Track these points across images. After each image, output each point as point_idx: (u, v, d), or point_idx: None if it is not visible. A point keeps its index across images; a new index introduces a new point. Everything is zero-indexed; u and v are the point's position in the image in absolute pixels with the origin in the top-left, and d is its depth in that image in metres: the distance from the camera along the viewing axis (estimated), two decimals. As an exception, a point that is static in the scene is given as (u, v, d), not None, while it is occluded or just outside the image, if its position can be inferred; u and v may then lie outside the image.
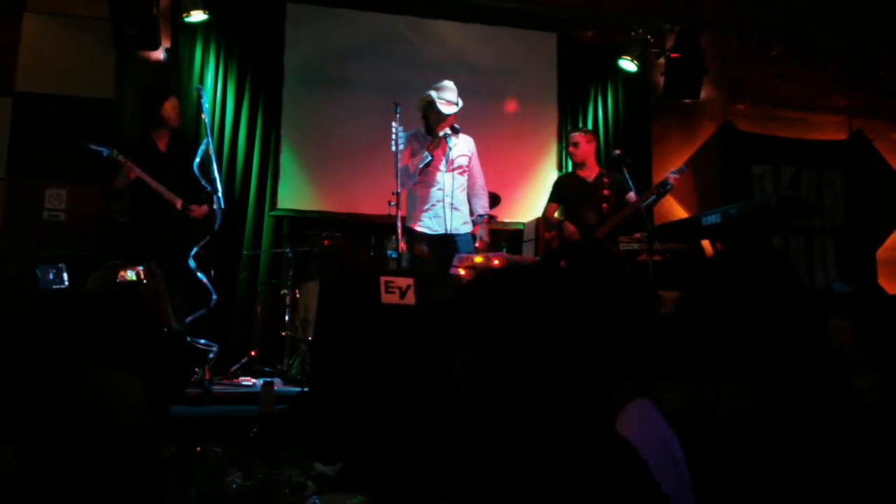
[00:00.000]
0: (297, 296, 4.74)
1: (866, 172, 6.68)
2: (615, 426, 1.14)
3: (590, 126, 6.24)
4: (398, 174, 4.26)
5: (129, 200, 4.32)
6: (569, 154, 5.01)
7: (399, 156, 4.28)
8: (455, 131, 4.40)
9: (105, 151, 3.96)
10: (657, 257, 4.62)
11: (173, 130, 4.34)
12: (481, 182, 4.64)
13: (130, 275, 1.98)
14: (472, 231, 4.53)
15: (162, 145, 4.30)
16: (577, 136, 4.96)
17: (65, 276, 3.82)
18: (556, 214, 5.06)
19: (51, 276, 3.80)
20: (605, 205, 4.78)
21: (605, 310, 1.39)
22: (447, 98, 4.34)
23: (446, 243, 4.38)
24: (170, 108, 4.27)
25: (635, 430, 1.21)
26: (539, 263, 3.68)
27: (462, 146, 4.50)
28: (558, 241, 4.87)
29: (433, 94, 4.35)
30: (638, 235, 4.82)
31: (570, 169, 6.11)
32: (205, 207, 4.25)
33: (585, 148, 4.89)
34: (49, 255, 4.00)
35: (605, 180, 4.84)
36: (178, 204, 4.18)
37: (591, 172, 4.91)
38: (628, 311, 1.42)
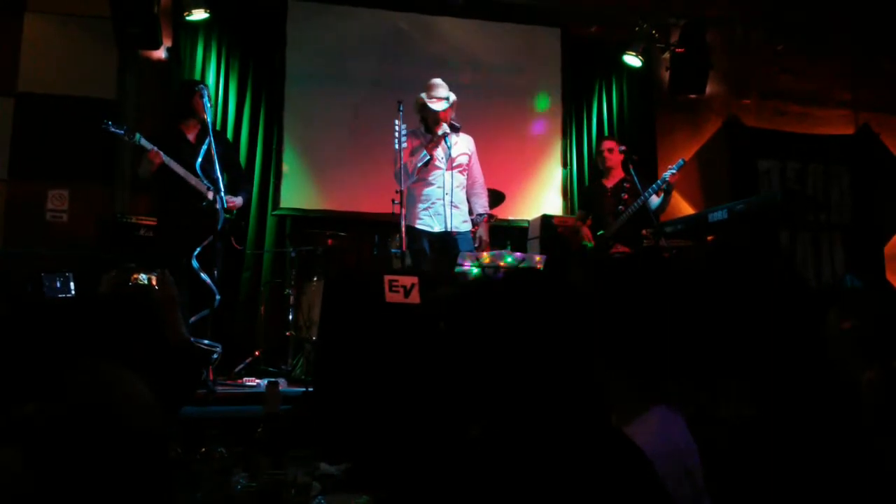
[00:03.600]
0: (301, 295, 4.71)
1: (873, 166, 6.64)
2: (616, 427, 1.12)
3: (594, 122, 6.23)
4: (398, 173, 4.25)
5: (158, 194, 4.24)
6: (601, 159, 4.96)
7: (400, 154, 4.26)
8: (455, 129, 4.40)
9: (122, 132, 3.89)
10: (664, 254, 4.61)
11: (203, 122, 4.26)
12: (481, 181, 4.63)
13: (143, 278, 1.96)
14: (472, 230, 4.51)
15: (192, 136, 4.21)
16: (611, 143, 4.97)
17: (71, 285, 3.77)
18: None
19: (57, 285, 3.76)
20: (622, 207, 4.79)
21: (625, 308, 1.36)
22: (437, 95, 4.35)
23: (446, 241, 4.37)
24: (198, 96, 4.17)
25: (650, 438, 1.18)
26: (541, 272, 3.68)
27: (462, 144, 4.50)
28: (575, 243, 4.93)
29: (423, 94, 4.39)
30: (644, 232, 4.81)
31: (575, 167, 6.15)
32: (240, 199, 4.21)
33: (618, 155, 4.89)
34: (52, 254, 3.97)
35: (627, 185, 4.84)
36: (210, 194, 4.06)
37: (613, 179, 4.94)
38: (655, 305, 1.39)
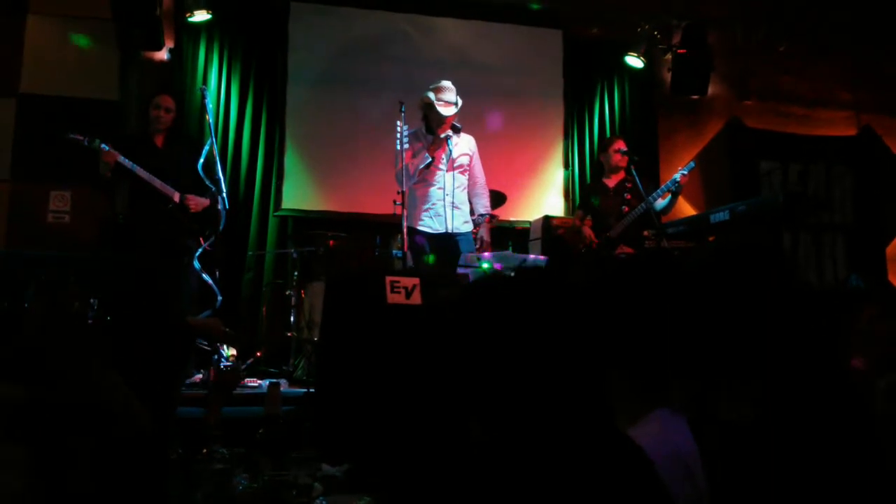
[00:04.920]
0: (303, 296, 4.72)
1: (875, 168, 6.64)
2: (617, 428, 1.11)
3: (596, 123, 6.23)
4: (398, 174, 4.24)
5: (127, 197, 4.30)
6: (609, 158, 4.88)
7: (402, 155, 4.25)
8: (456, 130, 4.38)
9: (85, 140, 3.96)
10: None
11: (171, 128, 4.32)
12: (482, 181, 4.61)
13: (224, 357, 2.07)
14: (473, 231, 4.50)
15: (159, 141, 4.29)
16: (623, 143, 4.90)
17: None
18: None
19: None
20: (626, 208, 4.76)
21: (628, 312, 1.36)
22: (446, 99, 4.31)
23: (447, 242, 4.35)
24: (152, 107, 4.24)
25: (652, 440, 1.18)
26: (544, 270, 3.67)
27: (463, 145, 4.47)
28: (583, 245, 4.89)
29: (431, 95, 4.32)
30: (646, 233, 4.81)
31: (576, 168, 6.14)
32: (205, 201, 4.24)
33: (625, 156, 4.84)
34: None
35: (629, 185, 4.82)
36: (176, 197, 4.16)
37: (616, 179, 4.91)
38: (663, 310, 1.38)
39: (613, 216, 4.78)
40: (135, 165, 4.06)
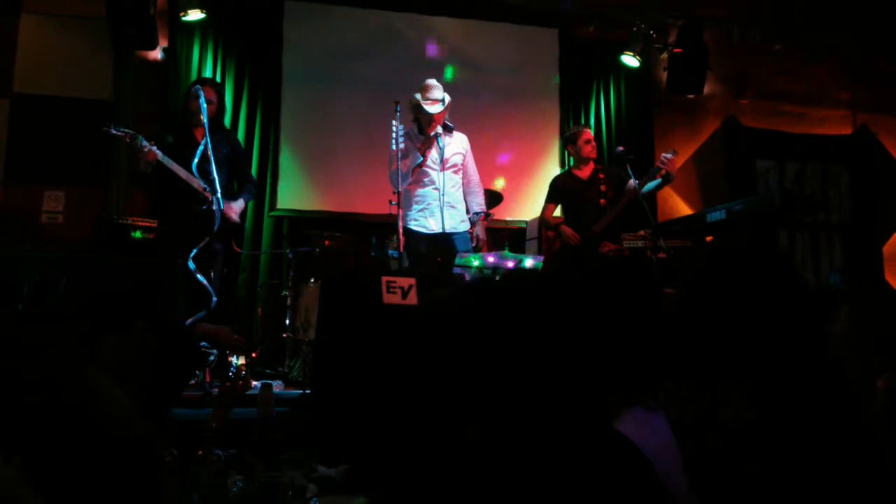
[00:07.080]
0: (298, 297, 4.69)
1: (872, 167, 6.65)
2: (616, 430, 1.11)
3: (592, 122, 6.20)
4: (393, 175, 4.23)
5: (160, 194, 4.25)
6: (579, 150, 4.78)
7: (397, 156, 4.24)
8: (448, 129, 4.37)
9: (128, 137, 3.87)
10: (661, 254, 4.58)
11: (212, 121, 4.18)
12: (477, 179, 4.59)
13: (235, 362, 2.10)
14: (470, 230, 4.48)
15: (199, 135, 4.17)
16: (590, 133, 4.83)
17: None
18: (554, 214, 5.00)
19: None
20: (602, 200, 4.69)
21: (603, 316, 1.35)
22: (432, 97, 4.31)
23: (444, 242, 4.34)
24: (192, 98, 4.16)
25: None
26: (537, 273, 3.66)
27: (456, 144, 4.46)
28: (559, 243, 4.80)
29: (417, 96, 4.34)
30: (642, 233, 4.78)
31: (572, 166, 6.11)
32: (240, 205, 4.24)
33: (594, 145, 4.78)
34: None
35: (601, 176, 4.75)
36: (210, 197, 4.06)
37: (587, 170, 4.82)
38: (633, 315, 1.38)
39: (591, 209, 4.69)
40: (173, 163, 3.97)
